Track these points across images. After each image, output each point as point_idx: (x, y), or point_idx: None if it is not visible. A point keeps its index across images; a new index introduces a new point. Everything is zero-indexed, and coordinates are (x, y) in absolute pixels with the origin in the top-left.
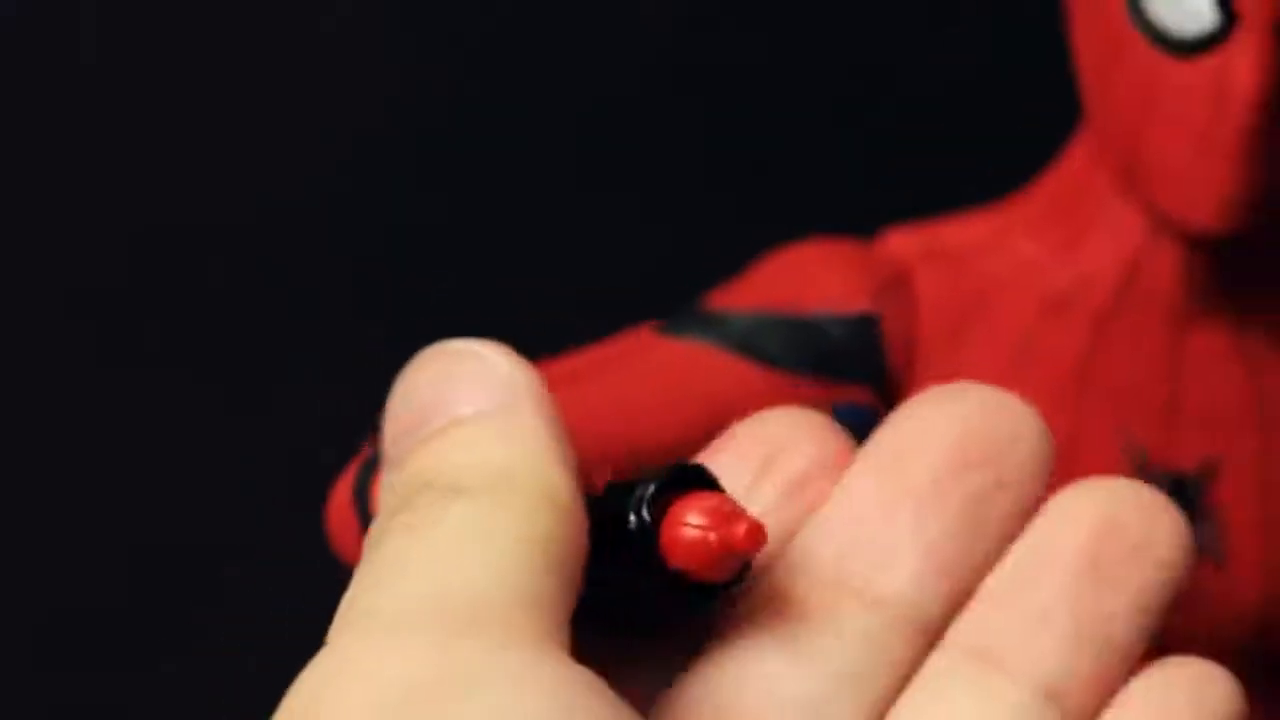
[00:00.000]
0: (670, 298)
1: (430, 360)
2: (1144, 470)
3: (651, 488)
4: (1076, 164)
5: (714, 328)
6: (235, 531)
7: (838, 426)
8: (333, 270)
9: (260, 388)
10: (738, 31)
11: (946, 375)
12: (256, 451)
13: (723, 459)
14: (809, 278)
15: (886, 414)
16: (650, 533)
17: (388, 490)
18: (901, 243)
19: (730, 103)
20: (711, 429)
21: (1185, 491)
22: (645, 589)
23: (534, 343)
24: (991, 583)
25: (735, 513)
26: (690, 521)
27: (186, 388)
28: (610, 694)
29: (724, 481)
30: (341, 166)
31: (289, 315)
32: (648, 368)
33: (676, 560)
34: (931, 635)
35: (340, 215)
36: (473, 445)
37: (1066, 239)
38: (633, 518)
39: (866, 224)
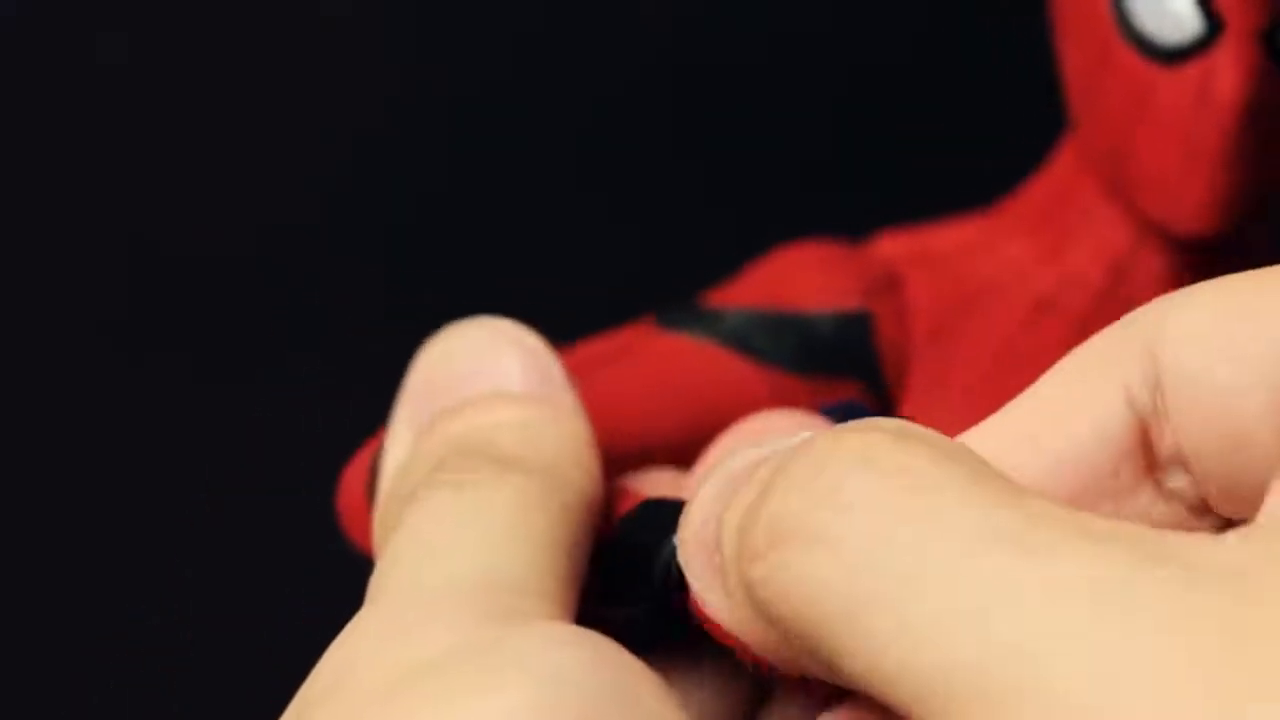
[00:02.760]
0: (669, 298)
1: (470, 330)
2: None
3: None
4: (1063, 169)
5: (710, 324)
6: (234, 530)
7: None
8: (333, 270)
9: (260, 387)
10: (738, 31)
11: (936, 375)
12: (256, 450)
13: None
14: (803, 277)
15: (877, 409)
16: (677, 589)
17: (425, 449)
18: (892, 246)
19: (730, 103)
20: (705, 423)
21: None
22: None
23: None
24: None
25: None
26: None
27: (185, 387)
28: (654, 676)
29: None
30: (341, 166)
31: (289, 315)
32: (643, 362)
33: (703, 620)
34: None
35: (340, 215)
36: (527, 425)
37: (1053, 243)
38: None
39: (866, 224)
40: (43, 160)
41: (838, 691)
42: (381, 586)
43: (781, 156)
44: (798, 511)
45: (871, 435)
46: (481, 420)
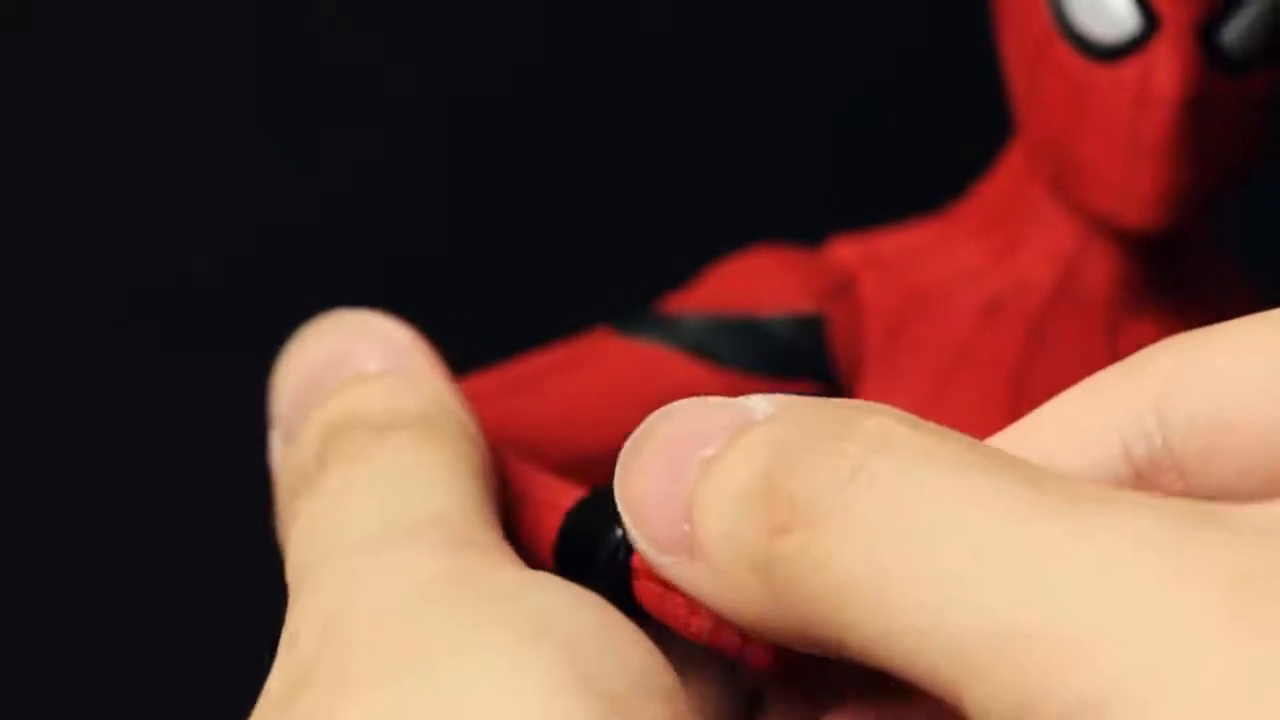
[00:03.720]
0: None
1: (320, 330)
2: None
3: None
4: (1011, 170)
5: (667, 330)
6: (234, 530)
7: None
8: (332, 270)
9: (260, 387)
10: (738, 31)
11: (890, 376)
12: (256, 450)
13: None
14: (758, 282)
15: None
16: (625, 576)
17: (301, 443)
18: (846, 250)
19: (730, 102)
20: None
21: None
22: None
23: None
24: None
25: None
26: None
27: (184, 387)
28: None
29: None
30: (340, 167)
31: (288, 316)
32: (601, 369)
33: (648, 605)
34: None
35: (340, 215)
36: (389, 394)
37: (1003, 244)
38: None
39: (867, 224)
40: (43, 160)
41: (829, 690)
42: (306, 563)
43: (781, 156)
44: (823, 490)
45: (883, 418)
46: (347, 403)
